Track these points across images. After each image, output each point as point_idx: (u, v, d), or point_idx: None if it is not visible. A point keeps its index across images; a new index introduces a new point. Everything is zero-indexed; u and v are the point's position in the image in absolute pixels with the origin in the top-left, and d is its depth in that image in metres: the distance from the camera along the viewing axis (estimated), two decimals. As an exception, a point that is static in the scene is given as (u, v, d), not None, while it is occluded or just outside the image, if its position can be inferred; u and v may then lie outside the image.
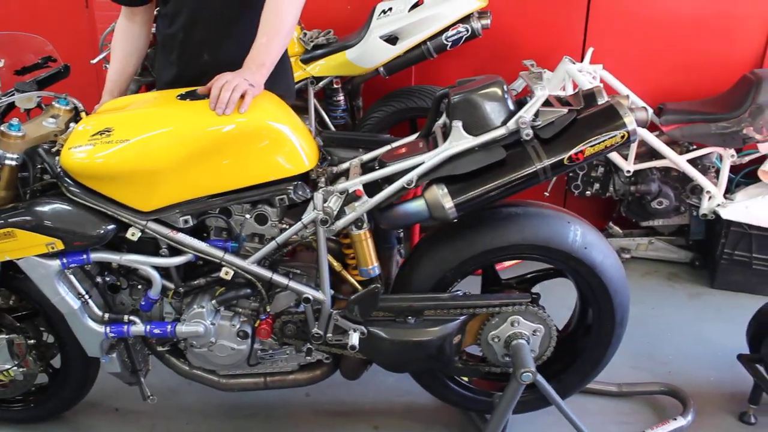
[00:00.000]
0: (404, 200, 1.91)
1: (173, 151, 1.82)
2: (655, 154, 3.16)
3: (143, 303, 2.02)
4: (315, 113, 3.43)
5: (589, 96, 1.91)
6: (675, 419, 2.37)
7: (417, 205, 1.88)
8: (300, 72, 3.30)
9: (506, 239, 1.97)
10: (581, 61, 3.25)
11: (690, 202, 3.25)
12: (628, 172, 3.17)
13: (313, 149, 2.02)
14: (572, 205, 3.61)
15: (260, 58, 1.94)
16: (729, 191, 3.19)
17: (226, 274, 1.94)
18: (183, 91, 1.96)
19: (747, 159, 3.17)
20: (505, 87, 1.87)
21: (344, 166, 2.09)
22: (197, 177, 1.86)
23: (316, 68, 3.29)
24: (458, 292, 2.06)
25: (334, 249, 2.05)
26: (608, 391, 2.53)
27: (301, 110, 3.47)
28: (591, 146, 1.79)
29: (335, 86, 3.40)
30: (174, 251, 1.95)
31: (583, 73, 3.13)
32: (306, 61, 3.31)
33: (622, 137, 1.79)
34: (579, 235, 2.00)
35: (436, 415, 2.46)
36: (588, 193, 3.39)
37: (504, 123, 1.84)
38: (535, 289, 2.22)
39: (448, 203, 1.83)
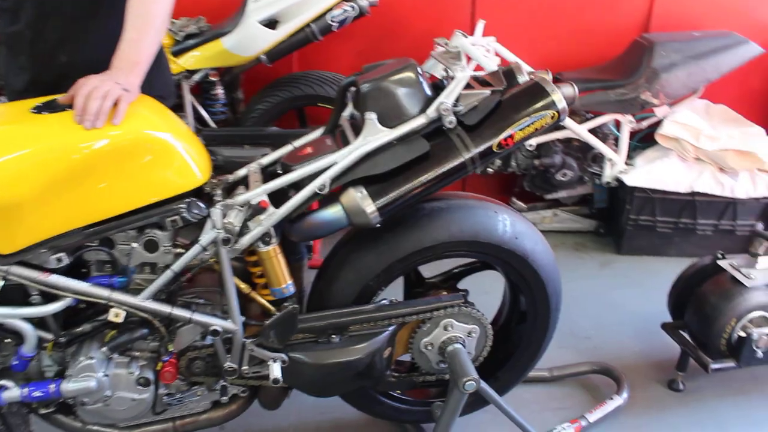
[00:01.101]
0: (317, 208, 1.68)
1: (34, 179, 1.48)
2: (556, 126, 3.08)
3: (15, 362, 1.68)
4: (192, 110, 3.10)
5: (509, 74, 1.75)
6: (611, 398, 2.30)
7: (333, 213, 1.65)
8: (172, 66, 2.95)
9: (432, 238, 1.79)
10: (472, 34, 3.11)
11: (592, 171, 3.21)
12: (531, 146, 3.08)
13: (205, 158, 1.74)
14: (472, 182, 3.51)
15: (132, 55, 1.63)
16: (628, 157, 3.18)
17: (116, 316, 1.64)
18: (39, 101, 1.62)
19: (645, 124, 3.16)
20: (419, 70, 1.67)
21: (241, 172, 1.82)
22: (67, 206, 1.54)
23: (190, 60, 2.96)
24: (384, 301, 1.86)
25: (239, 268, 1.79)
26: (540, 377, 2.44)
27: (176, 108, 3.13)
28: (521, 129, 1.63)
29: (212, 79, 3.09)
30: (48, 296, 1.62)
31: (477, 47, 3.00)
32: (177, 54, 2.96)
33: (553, 117, 1.64)
34: (508, 224, 1.85)
35: (366, 429, 2.27)
36: (490, 170, 3.28)
37: (423, 111, 1.64)
38: (461, 285, 2.07)
39: (370, 207, 1.62)
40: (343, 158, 1.63)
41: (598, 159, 3.17)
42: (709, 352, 2.31)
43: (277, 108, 3.14)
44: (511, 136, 1.62)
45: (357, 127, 1.68)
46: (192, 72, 3.02)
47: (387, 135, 1.62)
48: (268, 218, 1.65)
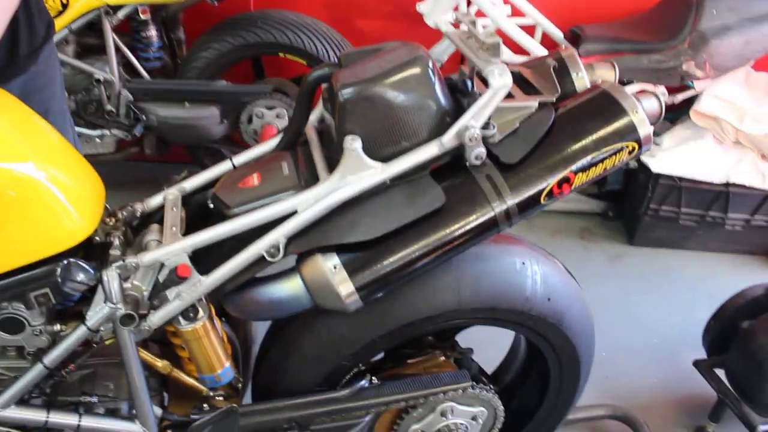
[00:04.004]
0: (266, 276, 1.11)
1: None
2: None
3: None
4: (119, 55, 2.43)
5: (560, 65, 1.16)
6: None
7: (289, 289, 1.08)
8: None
9: (434, 306, 1.23)
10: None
11: (609, 149, 2.66)
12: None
13: (94, 190, 1.13)
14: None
15: None
16: (654, 134, 2.62)
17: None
18: None
19: (680, 97, 2.58)
20: (430, 65, 1.07)
21: (155, 201, 1.22)
22: None
23: (111, -8, 2.28)
24: (362, 383, 1.32)
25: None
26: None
27: (97, 50, 2.48)
28: (583, 170, 1.06)
29: (142, 17, 2.40)
30: None
31: (481, -9, 2.37)
32: (95, -17, 2.28)
33: (631, 152, 1.07)
34: (539, 280, 1.30)
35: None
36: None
37: (436, 133, 1.05)
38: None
39: (346, 288, 1.05)
40: (307, 207, 1.04)
41: (618, 135, 2.61)
42: (756, 407, 1.86)
43: (227, 57, 2.48)
44: (567, 180, 1.06)
45: (330, 144, 1.10)
46: (115, 7, 2.33)
47: (376, 173, 1.03)
48: (189, 290, 1.08)
